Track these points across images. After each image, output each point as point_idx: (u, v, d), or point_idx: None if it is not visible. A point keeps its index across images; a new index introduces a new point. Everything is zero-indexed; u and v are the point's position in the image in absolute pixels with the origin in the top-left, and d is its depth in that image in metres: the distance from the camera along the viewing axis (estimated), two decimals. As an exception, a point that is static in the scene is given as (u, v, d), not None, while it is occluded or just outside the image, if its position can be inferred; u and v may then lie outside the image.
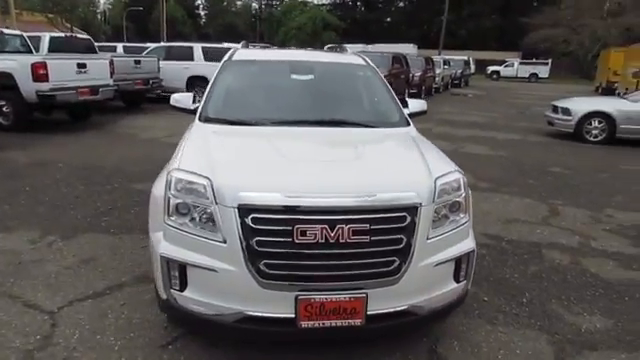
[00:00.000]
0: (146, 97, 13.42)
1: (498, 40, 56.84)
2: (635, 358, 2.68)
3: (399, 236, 2.22)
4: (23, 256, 3.74)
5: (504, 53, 49.72)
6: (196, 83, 13.43)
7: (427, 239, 2.29)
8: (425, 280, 2.32)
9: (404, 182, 2.35)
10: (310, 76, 3.62)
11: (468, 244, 2.49)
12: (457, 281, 2.47)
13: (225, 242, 2.16)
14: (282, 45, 40.56)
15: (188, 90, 13.54)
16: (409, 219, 2.23)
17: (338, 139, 3.00)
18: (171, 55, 13.80)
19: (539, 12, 44.53)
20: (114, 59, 10.54)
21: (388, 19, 62.88)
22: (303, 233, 2.11)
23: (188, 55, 13.54)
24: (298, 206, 2.12)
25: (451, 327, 2.88)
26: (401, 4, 65.76)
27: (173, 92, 14.46)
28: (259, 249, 2.12)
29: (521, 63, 44.27)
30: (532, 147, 9.57)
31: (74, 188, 5.60)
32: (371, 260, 2.18)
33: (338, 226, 2.12)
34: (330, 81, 3.66)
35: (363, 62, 3.92)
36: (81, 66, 9.35)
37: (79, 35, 12.98)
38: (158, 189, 2.51)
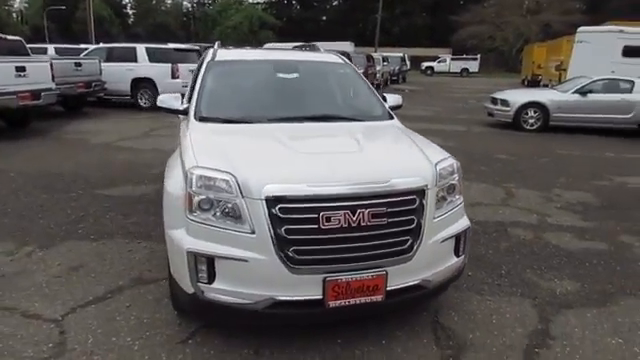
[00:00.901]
0: (87, 101, 12.83)
1: (429, 37, 59.32)
2: (604, 312, 3.09)
3: (411, 217, 2.44)
4: (3, 268, 3.59)
5: (436, 49, 52.03)
6: (141, 85, 13.06)
7: (433, 219, 2.53)
8: (433, 256, 2.56)
9: (411, 168, 2.58)
10: (295, 74, 3.76)
11: (464, 222, 2.77)
12: (457, 255, 2.74)
13: (254, 233, 2.27)
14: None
15: (133, 93, 13.13)
16: (418, 201, 2.47)
17: (335, 132, 3.18)
18: (113, 56, 13.25)
19: (466, 10, 47.01)
20: (53, 62, 10.01)
21: (324, 17, 63.65)
22: (328, 219, 2.27)
23: (131, 56, 13.08)
24: (322, 195, 2.28)
25: (446, 300, 3.16)
26: (336, 3, 66.81)
27: (117, 95, 14.00)
28: (288, 237, 2.26)
29: (453, 59, 46.58)
30: (477, 137, 10.25)
31: (36, 197, 5.35)
32: (388, 240, 2.39)
33: (359, 211, 2.31)
34: (315, 79, 3.83)
35: (342, 61, 4.13)
36: (20, 69, 8.80)
37: (8, 37, 12.14)
38: (173, 187, 2.57)
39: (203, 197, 2.36)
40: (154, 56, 12.97)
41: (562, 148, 8.99)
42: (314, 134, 3.12)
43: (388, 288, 2.41)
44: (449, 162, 2.75)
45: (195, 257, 2.34)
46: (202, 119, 3.20)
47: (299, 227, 2.27)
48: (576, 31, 13.95)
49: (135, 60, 13.04)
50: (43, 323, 2.86)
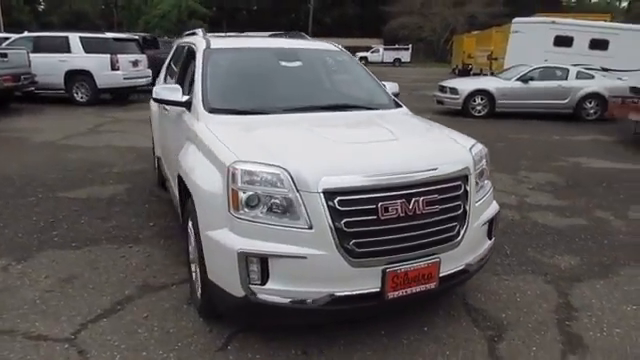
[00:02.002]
0: (15, 96, 11.66)
1: (361, 27, 60.25)
2: (610, 282, 3.31)
3: (458, 203, 2.45)
4: (-21, 287, 3.17)
5: (368, 40, 52.97)
6: (77, 78, 12.06)
7: (475, 203, 2.56)
8: (474, 240, 2.59)
9: (453, 155, 2.59)
10: (298, 63, 3.62)
11: (495, 206, 2.84)
12: (489, 238, 2.79)
13: (311, 228, 2.16)
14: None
15: (67, 86, 12.11)
16: (463, 187, 2.48)
17: (359, 122, 3.11)
18: (41, 47, 12.06)
19: (396, 1, 48.23)
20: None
21: (255, 7, 62.49)
22: (386, 209, 2.22)
23: (63, 46, 12.00)
24: (381, 185, 2.22)
25: (468, 283, 3.22)
26: (266, -8, 65.70)
27: (48, 89, 12.84)
28: (348, 230, 2.18)
29: (385, 49, 47.72)
30: (431, 124, 10.57)
31: (-13, 204, 4.78)
32: (440, 227, 2.38)
33: (414, 199, 2.28)
34: (317, 67, 3.72)
35: (337, 48, 4.04)
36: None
37: None
38: (210, 185, 2.37)
39: (251, 193, 2.20)
40: (90, 46, 11.99)
41: (512, 133, 9.53)
42: (340, 123, 3.03)
43: (440, 275, 2.41)
44: (479, 147, 2.79)
45: (246, 258, 2.18)
46: (213, 111, 2.99)
47: (359, 219, 2.19)
48: (500, 22, 14.79)
49: (68, 50, 11.99)
50: (55, 344, 2.55)
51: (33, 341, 2.58)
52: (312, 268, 2.19)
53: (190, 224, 2.83)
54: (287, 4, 59.39)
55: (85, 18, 56.31)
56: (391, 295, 2.29)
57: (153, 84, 13.99)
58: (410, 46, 46.94)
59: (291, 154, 2.33)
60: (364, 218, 2.20)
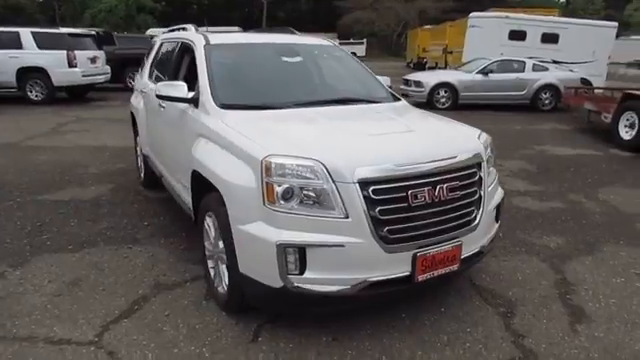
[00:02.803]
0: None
1: (314, 22, 60.20)
2: (597, 258, 3.60)
3: (474, 189, 2.61)
4: (-24, 296, 3.03)
5: (322, 34, 52.79)
6: (30, 76, 11.44)
7: (487, 188, 2.73)
8: (487, 223, 2.76)
9: (467, 143, 2.74)
10: (298, 58, 3.67)
11: (501, 191, 3.03)
12: (497, 221, 2.98)
13: (347, 217, 2.25)
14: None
15: (20, 84, 11.47)
16: (478, 174, 2.64)
17: (370, 114, 3.20)
18: (-12, 43, 11.36)
19: (349, -5, 48.54)
20: None
21: (206, 1, 61.01)
22: (416, 196, 2.34)
23: (14, 42, 11.31)
24: (412, 173, 2.34)
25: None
26: (217, -15, 64.29)
27: (-1, 87, 11.82)
28: (382, 217, 2.28)
29: (341, 43, 47.53)
30: (399, 117, 10.85)
31: (-40, 211, 4.52)
32: (461, 212, 2.53)
33: (439, 186, 2.41)
34: (317, 62, 3.78)
35: (331, 43, 4.11)
36: None
37: None
38: (241, 179, 2.39)
39: (286, 186, 2.26)
40: (43, 42, 11.38)
41: (477, 124, 9.79)
42: (352, 116, 3.10)
43: (462, 257, 2.56)
44: (485, 135, 2.97)
45: (285, 249, 2.24)
46: (225, 106, 2.99)
47: (392, 207, 2.30)
48: (450, 17, 15.27)
49: (20, 47, 11.33)
50: (80, 347, 2.51)
51: (57, 346, 2.51)
52: (349, 256, 2.27)
53: (210, 220, 2.84)
54: (240, -1, 58.40)
55: (22, 12, 53.02)
56: (420, 278, 2.41)
57: (113, 81, 13.63)
58: (365, 40, 47.49)
59: (321, 147, 2.39)
60: (396, 206, 2.31)
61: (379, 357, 2.45)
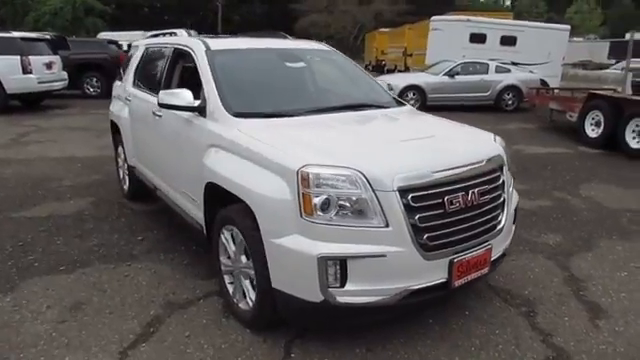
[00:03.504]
0: None
1: (270, 25, 59.89)
2: (596, 254, 3.75)
3: (499, 192, 2.64)
4: (-31, 326, 2.76)
5: (279, 38, 52.76)
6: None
7: (509, 191, 2.77)
8: (509, 226, 2.80)
9: (489, 148, 2.77)
10: (301, 63, 3.59)
11: (516, 194, 3.08)
12: (514, 223, 3.03)
13: (388, 226, 2.21)
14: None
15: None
16: (502, 177, 2.67)
17: (387, 120, 3.18)
18: None
19: (305, -1, 48.72)
20: None
21: (159, 4, 59.44)
22: (451, 202, 2.34)
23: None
24: (448, 180, 2.33)
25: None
26: (170, -12, 62.80)
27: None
28: (421, 225, 2.25)
29: (299, 46, 47.85)
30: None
31: None
32: (490, 215, 2.56)
33: (471, 191, 2.42)
34: (320, 67, 3.73)
35: (329, 48, 4.07)
36: None
37: None
38: (272, 191, 2.30)
39: (324, 197, 2.19)
40: (-7, 47, 10.67)
41: (448, 124, 10.16)
42: (370, 123, 3.07)
43: (491, 259, 2.58)
44: (499, 139, 3.01)
45: (326, 262, 2.17)
46: (239, 115, 2.87)
47: (430, 214, 2.28)
48: (405, 20, 15.54)
49: (-37, 52, 10.56)
50: (102, 377, 2.33)
51: (74, 378, 2.32)
52: (390, 265, 2.23)
53: (228, 234, 2.72)
54: (193, 1, 57.31)
55: (-44, 15, 49.58)
56: (457, 283, 2.41)
57: (70, 88, 12.95)
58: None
59: (355, 155, 2.34)
60: (434, 212, 2.29)
61: (418, 366, 2.42)
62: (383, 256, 2.20)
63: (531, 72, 12.80)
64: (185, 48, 3.60)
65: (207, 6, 52.74)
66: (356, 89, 3.73)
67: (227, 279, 2.87)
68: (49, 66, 11.59)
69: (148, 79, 4.25)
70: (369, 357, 2.48)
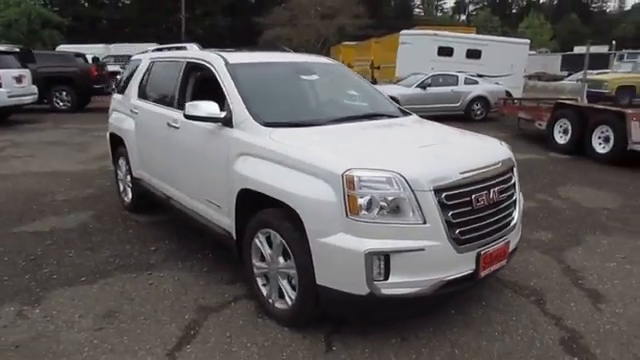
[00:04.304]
0: None
1: (233, 38, 59.87)
2: (585, 248, 4.11)
3: (512, 191, 2.93)
4: (5, 338, 2.77)
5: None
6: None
7: (518, 190, 3.06)
8: (519, 223, 3.08)
9: (500, 151, 3.05)
10: (315, 76, 3.80)
11: (521, 195, 3.37)
12: (520, 221, 3.32)
13: (425, 222, 2.43)
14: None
15: None
16: (513, 177, 2.96)
17: (403, 128, 3.42)
18: None
19: (269, 13, 49.11)
20: None
21: (118, 17, 58.30)
22: (477, 200, 2.59)
23: None
24: (475, 180, 2.59)
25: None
26: (128, 1, 61.84)
27: None
28: (454, 221, 2.49)
29: (264, 59, 47.99)
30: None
31: None
32: (507, 212, 2.84)
33: (492, 190, 2.69)
34: (332, 79, 3.94)
35: (333, 62, 4.30)
36: None
37: None
38: (317, 194, 2.47)
39: (368, 197, 2.39)
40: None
41: (424, 133, 10.59)
42: (391, 130, 3.30)
43: (508, 253, 2.85)
44: (505, 143, 3.31)
45: (372, 257, 2.36)
46: (269, 125, 3.03)
47: (460, 210, 2.52)
48: (366, 34, 16.02)
49: None
50: (157, 378, 2.41)
51: (130, 381, 2.40)
52: (428, 258, 2.45)
53: (263, 237, 2.87)
54: (155, 14, 56.59)
55: None
56: (483, 274, 2.65)
57: (38, 102, 12.60)
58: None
59: (390, 159, 2.56)
60: (463, 209, 2.54)
61: (451, 351, 2.64)
62: (422, 250, 2.42)
63: (497, 84, 13.52)
64: (201, 62, 3.73)
65: (169, 19, 52.19)
66: (366, 100, 3.96)
67: (260, 281, 3.01)
68: (19, 80, 11.30)
69: (157, 92, 4.34)
70: (405, 346, 2.68)
